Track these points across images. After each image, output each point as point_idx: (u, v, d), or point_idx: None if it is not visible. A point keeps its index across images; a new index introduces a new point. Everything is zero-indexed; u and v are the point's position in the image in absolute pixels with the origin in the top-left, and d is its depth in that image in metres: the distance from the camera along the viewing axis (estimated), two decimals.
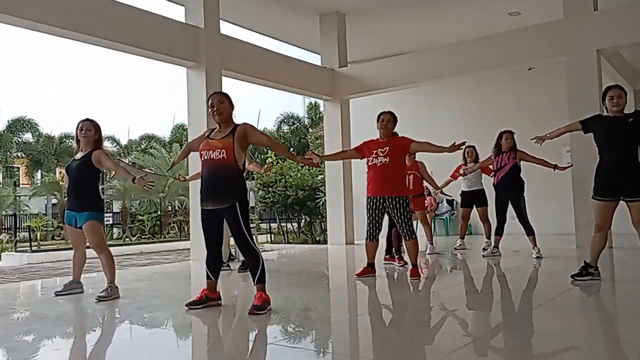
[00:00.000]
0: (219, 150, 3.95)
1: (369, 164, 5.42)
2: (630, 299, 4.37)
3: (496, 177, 6.92)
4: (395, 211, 5.27)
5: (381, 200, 5.32)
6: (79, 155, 4.80)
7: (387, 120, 5.42)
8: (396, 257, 6.54)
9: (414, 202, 7.39)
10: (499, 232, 6.97)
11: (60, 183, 22.46)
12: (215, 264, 4.15)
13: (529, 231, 6.75)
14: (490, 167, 7.22)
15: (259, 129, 4.22)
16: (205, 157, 4.03)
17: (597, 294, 4.51)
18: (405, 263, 6.20)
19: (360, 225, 9.27)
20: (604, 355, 2.88)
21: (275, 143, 4.27)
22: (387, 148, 5.32)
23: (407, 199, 5.33)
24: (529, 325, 3.55)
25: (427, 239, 7.86)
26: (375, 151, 5.38)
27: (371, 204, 5.37)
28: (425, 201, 9.52)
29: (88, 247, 4.96)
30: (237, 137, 3.98)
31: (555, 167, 6.71)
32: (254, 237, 4.09)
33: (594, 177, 4.73)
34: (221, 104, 4.07)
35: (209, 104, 4.12)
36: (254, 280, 3.98)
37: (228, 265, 6.66)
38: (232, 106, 4.14)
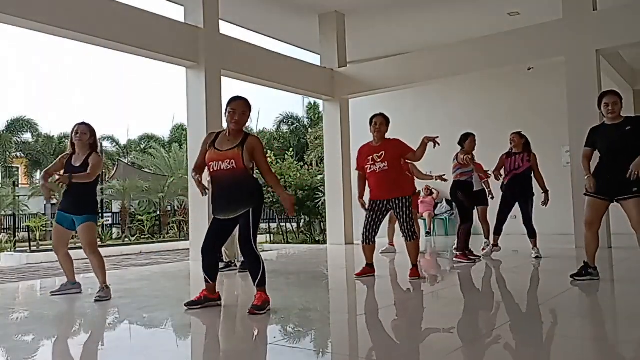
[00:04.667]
0: (229, 160, 3.86)
1: (368, 171, 5.38)
2: (629, 298, 4.37)
3: (507, 176, 6.82)
4: (398, 211, 5.27)
5: (385, 203, 5.32)
6: (77, 162, 4.81)
7: (380, 123, 5.40)
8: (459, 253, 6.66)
9: None
10: (498, 231, 6.91)
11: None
12: (211, 269, 4.11)
13: (532, 233, 6.72)
14: (502, 171, 7.03)
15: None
16: (215, 169, 3.91)
17: (596, 294, 4.52)
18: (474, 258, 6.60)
19: (360, 225, 9.26)
20: (604, 355, 2.88)
21: (270, 173, 4.00)
22: (383, 152, 5.30)
23: (410, 198, 5.33)
24: (528, 325, 3.55)
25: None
26: (371, 157, 5.36)
27: (374, 206, 5.36)
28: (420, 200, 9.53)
29: (71, 249, 5.04)
30: (246, 149, 3.89)
31: (546, 192, 6.72)
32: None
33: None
34: (243, 115, 3.95)
35: (230, 108, 3.95)
36: (254, 283, 3.96)
37: (235, 265, 6.57)
38: (250, 118, 4.05)
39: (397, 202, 5.26)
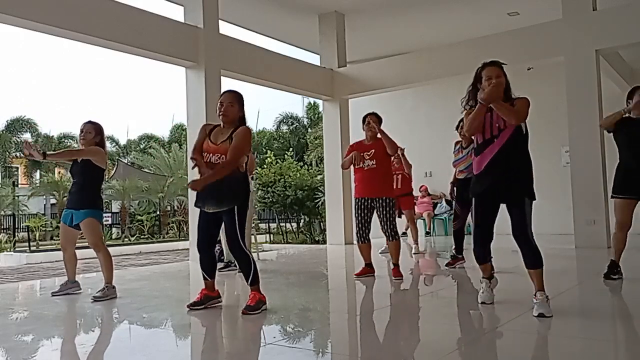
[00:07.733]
0: (219, 154, 3.87)
1: (356, 167, 5.45)
2: (631, 298, 4.37)
3: (480, 158, 3.71)
4: (381, 210, 5.31)
5: (369, 201, 5.37)
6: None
7: (373, 121, 5.43)
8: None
9: (403, 201, 7.42)
10: (484, 258, 3.95)
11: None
12: (209, 265, 4.13)
13: (537, 262, 3.67)
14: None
15: (249, 136, 3.92)
16: (206, 160, 3.93)
17: (597, 294, 4.52)
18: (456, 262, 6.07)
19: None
20: (605, 355, 2.88)
21: (232, 159, 3.81)
22: (373, 151, 5.35)
23: (393, 200, 5.39)
24: (527, 325, 3.55)
25: (412, 239, 7.89)
26: (362, 154, 5.39)
27: (359, 204, 5.41)
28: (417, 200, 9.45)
29: (78, 248, 5.01)
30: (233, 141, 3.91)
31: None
32: (250, 238, 4.04)
33: (614, 177, 4.81)
34: (230, 107, 3.92)
35: (219, 101, 3.96)
36: (247, 282, 3.97)
37: (235, 265, 6.55)
38: (241, 111, 3.98)
39: (380, 201, 5.30)
